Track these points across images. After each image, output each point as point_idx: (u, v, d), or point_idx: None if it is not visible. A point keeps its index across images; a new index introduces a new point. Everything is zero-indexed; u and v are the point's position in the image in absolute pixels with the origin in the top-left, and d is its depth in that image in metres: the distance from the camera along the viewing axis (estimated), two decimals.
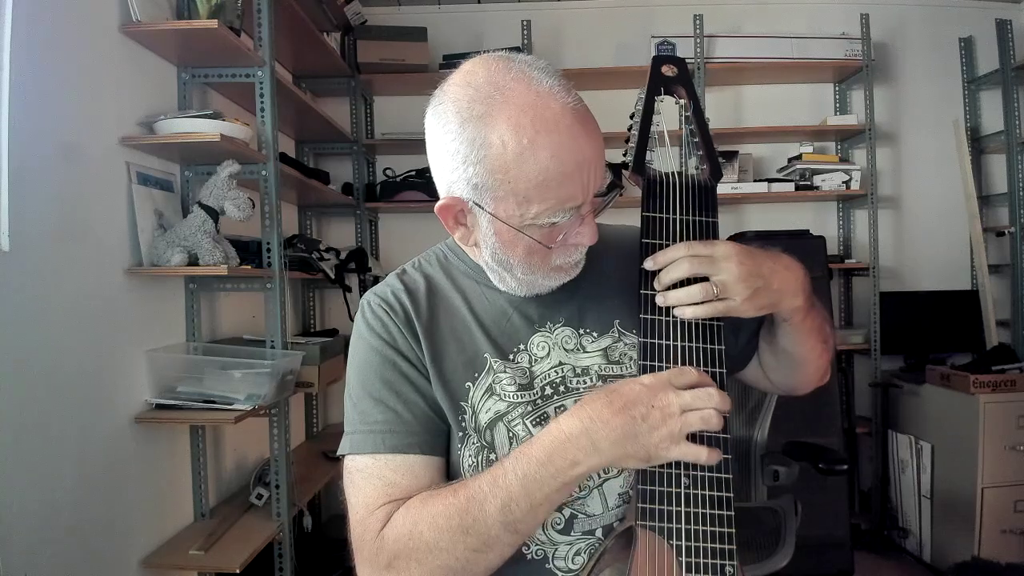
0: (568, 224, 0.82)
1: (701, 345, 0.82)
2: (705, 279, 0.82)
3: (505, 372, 0.89)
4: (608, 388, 0.78)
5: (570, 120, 0.77)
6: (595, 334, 0.93)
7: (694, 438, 0.76)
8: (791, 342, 0.93)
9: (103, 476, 1.66)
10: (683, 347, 0.82)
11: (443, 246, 1.01)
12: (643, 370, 0.81)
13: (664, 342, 0.82)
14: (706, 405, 0.76)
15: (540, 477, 0.76)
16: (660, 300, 0.83)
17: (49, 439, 1.49)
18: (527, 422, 0.87)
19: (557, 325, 0.93)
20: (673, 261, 0.83)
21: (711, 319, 0.83)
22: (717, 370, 0.82)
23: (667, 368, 0.81)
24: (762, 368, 1.04)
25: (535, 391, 0.89)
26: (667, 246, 0.85)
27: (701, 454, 0.76)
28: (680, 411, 0.75)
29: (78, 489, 1.57)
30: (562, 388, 0.89)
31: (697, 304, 0.82)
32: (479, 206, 0.82)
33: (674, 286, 0.83)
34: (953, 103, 3.34)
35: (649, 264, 0.84)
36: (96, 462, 1.64)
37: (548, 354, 0.91)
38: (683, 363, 0.81)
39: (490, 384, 0.88)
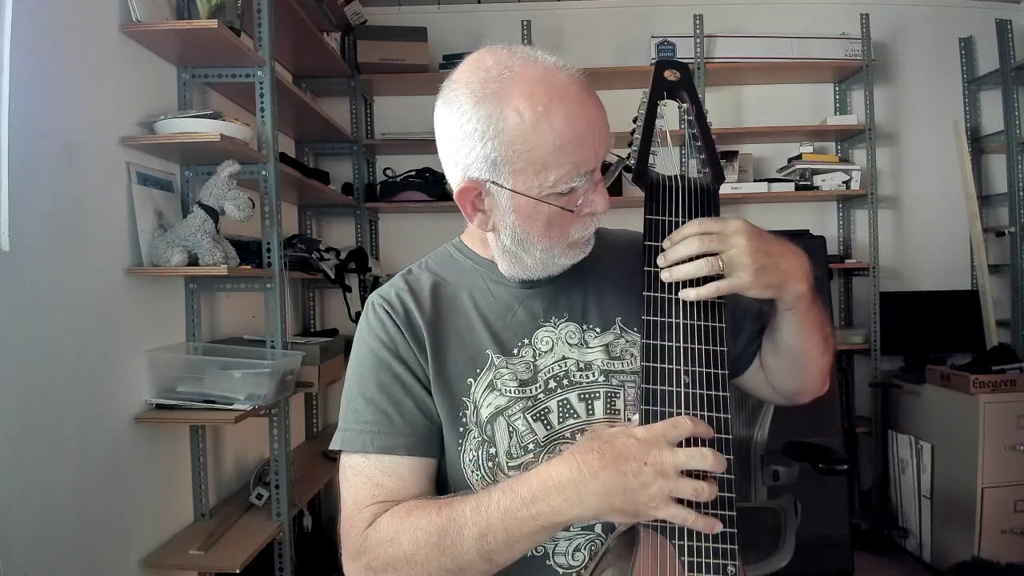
0: (584, 190, 0.84)
1: (703, 347, 0.82)
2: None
3: (507, 368, 0.90)
4: (603, 437, 0.77)
5: (577, 88, 0.82)
6: (598, 330, 0.94)
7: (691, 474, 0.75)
8: (793, 335, 0.92)
9: (103, 476, 1.66)
10: (686, 348, 0.82)
11: (450, 245, 1.02)
12: (646, 371, 0.81)
13: (667, 343, 0.82)
14: (700, 466, 0.74)
15: (521, 516, 0.76)
16: (665, 276, 0.83)
17: (49, 439, 1.49)
18: (527, 416, 0.88)
19: (562, 320, 0.94)
20: (685, 238, 0.83)
21: (714, 321, 0.83)
22: (719, 371, 0.82)
23: (670, 369, 0.81)
24: (764, 372, 1.03)
25: (538, 385, 0.90)
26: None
27: (688, 518, 0.74)
28: (675, 471, 0.74)
29: (78, 489, 1.57)
30: (565, 382, 0.90)
31: (701, 285, 0.82)
32: (497, 184, 0.83)
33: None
34: (953, 103, 3.34)
35: (666, 244, 0.85)
36: (96, 462, 1.64)
37: (552, 348, 0.92)
38: (685, 363, 0.81)
39: (491, 380, 0.90)
